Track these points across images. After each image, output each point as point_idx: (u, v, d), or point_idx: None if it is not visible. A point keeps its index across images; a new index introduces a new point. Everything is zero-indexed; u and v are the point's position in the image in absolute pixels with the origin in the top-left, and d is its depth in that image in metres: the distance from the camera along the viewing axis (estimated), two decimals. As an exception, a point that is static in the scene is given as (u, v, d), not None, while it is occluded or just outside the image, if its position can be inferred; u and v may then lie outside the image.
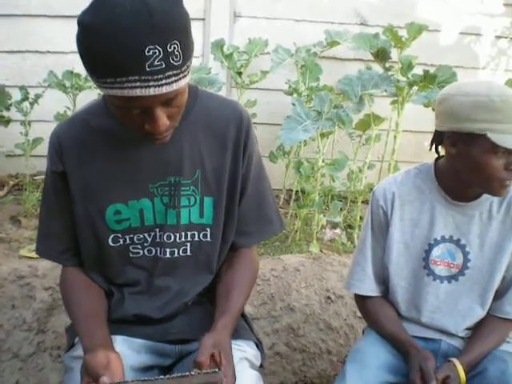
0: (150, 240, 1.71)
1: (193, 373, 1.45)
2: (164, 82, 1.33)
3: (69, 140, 1.65)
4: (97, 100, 1.73)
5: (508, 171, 1.74)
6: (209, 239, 1.74)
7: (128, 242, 1.70)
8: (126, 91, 1.33)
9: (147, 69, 1.30)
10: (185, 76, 1.39)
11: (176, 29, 1.33)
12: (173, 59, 1.33)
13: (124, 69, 1.30)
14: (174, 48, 1.32)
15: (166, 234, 1.69)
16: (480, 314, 1.95)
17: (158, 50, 1.29)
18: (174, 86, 1.36)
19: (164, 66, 1.31)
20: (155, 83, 1.32)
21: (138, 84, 1.32)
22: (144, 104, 1.38)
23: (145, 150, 1.63)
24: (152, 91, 1.33)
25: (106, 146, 1.64)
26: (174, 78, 1.35)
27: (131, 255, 1.72)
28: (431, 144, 1.92)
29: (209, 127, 1.69)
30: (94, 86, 3.41)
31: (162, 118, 1.42)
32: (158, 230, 1.70)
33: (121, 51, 1.28)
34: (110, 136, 1.63)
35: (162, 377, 1.45)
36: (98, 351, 1.52)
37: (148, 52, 1.28)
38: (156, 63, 1.30)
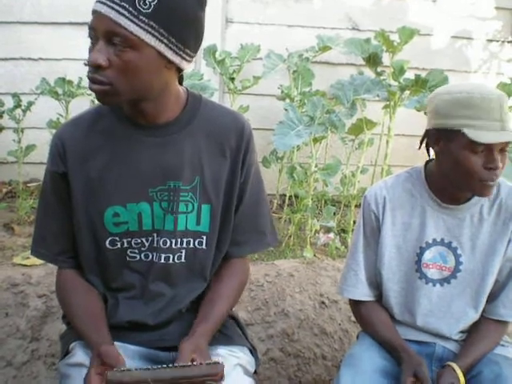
0: (147, 245, 1.71)
1: (195, 363, 1.47)
2: (116, 8, 1.40)
3: (72, 141, 1.65)
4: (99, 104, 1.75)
5: (487, 170, 1.75)
6: (204, 247, 1.74)
7: (126, 245, 1.70)
8: (94, 4, 1.43)
9: None
10: (140, 27, 1.41)
11: None
12: (139, 2, 1.39)
13: None
14: None
15: (163, 239, 1.69)
16: (473, 316, 1.95)
17: None
18: (122, 21, 1.40)
19: None
20: (109, 3, 1.41)
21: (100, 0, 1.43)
22: (95, 25, 1.44)
23: (146, 154, 1.65)
24: (104, 10, 1.40)
25: (108, 148, 1.65)
26: (126, 14, 1.40)
27: (128, 259, 1.72)
28: (420, 143, 1.93)
29: (210, 135, 1.70)
30: (87, 92, 3.44)
31: (100, 52, 1.44)
32: (155, 234, 1.70)
33: None
34: (112, 138, 1.65)
35: (165, 366, 1.46)
36: (111, 345, 1.56)
37: None
38: None
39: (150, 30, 1.42)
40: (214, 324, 1.69)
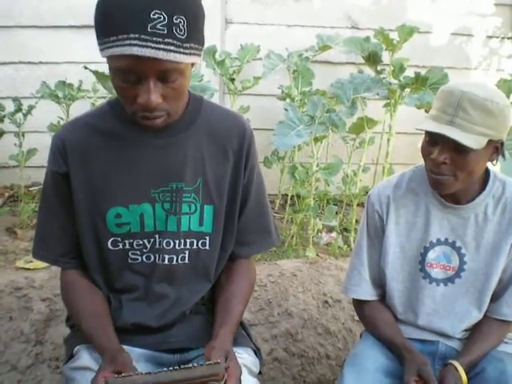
0: (149, 246, 1.71)
1: (195, 365, 1.47)
2: (162, 47, 1.36)
3: (73, 142, 1.65)
4: (102, 104, 1.75)
5: (431, 161, 1.77)
6: (207, 247, 1.74)
7: (127, 247, 1.70)
8: (125, 48, 1.35)
9: (149, 29, 1.34)
10: (186, 54, 1.41)
11: (186, 7, 1.39)
12: (176, 31, 1.37)
13: (126, 26, 1.35)
14: (180, 22, 1.37)
15: (166, 240, 1.70)
16: (477, 316, 1.94)
17: (164, 16, 1.35)
18: (172, 56, 1.38)
19: (166, 32, 1.35)
20: (153, 45, 1.35)
21: (136, 42, 1.35)
22: (140, 68, 1.40)
23: (148, 155, 1.65)
24: (149, 52, 1.35)
25: (109, 149, 1.65)
26: (173, 48, 1.37)
27: (130, 261, 1.72)
28: None
29: (212, 137, 1.70)
30: (87, 95, 3.44)
31: (155, 93, 1.44)
32: (157, 236, 1.70)
33: (128, 9, 1.35)
34: (113, 139, 1.65)
35: (166, 369, 1.46)
36: (123, 352, 1.57)
37: (153, 15, 1.34)
38: (159, 27, 1.34)
39: (192, 51, 1.42)
40: (234, 324, 1.69)
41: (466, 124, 1.69)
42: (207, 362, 1.48)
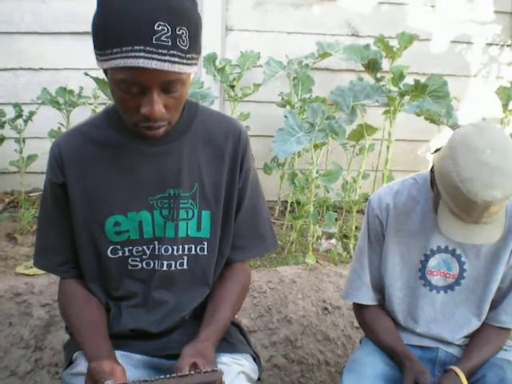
0: (148, 253, 1.71)
1: (192, 372, 1.46)
2: (167, 58, 1.36)
3: (70, 151, 1.65)
4: (98, 113, 1.76)
5: None
6: (205, 253, 1.74)
7: (127, 254, 1.70)
8: (130, 61, 1.35)
9: (153, 41, 1.34)
10: (188, 65, 1.42)
11: (188, 18, 1.39)
12: (179, 42, 1.37)
13: (131, 38, 1.34)
14: (183, 33, 1.37)
15: (164, 246, 1.70)
16: (476, 323, 1.95)
17: (167, 28, 1.35)
18: (176, 68, 1.39)
19: (170, 43, 1.36)
20: (159, 57, 1.35)
21: (142, 54, 1.35)
22: (144, 80, 1.40)
23: (145, 162, 1.65)
24: (154, 64, 1.35)
25: (107, 158, 1.65)
26: (177, 60, 1.38)
27: (130, 267, 1.72)
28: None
29: (208, 141, 1.71)
30: (88, 102, 3.44)
31: (159, 103, 1.44)
32: (156, 242, 1.70)
33: (132, 21, 1.34)
34: (111, 148, 1.65)
35: (162, 376, 1.45)
36: (103, 360, 1.53)
37: (157, 27, 1.34)
38: (163, 38, 1.35)
39: (193, 62, 1.43)
40: (218, 327, 1.69)
41: (490, 219, 1.70)
42: (204, 370, 1.47)
